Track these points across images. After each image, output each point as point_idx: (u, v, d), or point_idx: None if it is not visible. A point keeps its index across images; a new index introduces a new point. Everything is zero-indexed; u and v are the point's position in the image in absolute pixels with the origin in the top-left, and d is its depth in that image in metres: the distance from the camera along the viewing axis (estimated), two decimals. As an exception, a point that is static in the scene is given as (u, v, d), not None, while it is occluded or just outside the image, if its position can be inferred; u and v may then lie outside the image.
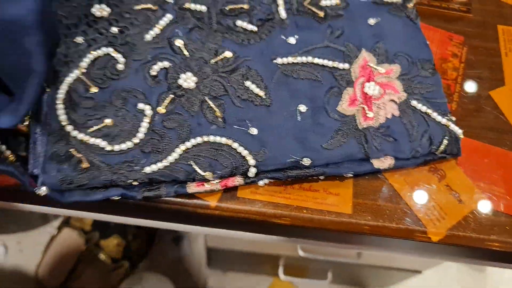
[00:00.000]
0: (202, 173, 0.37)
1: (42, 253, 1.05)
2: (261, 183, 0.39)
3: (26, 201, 0.46)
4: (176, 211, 0.40)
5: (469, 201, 0.42)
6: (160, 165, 0.37)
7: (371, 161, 0.40)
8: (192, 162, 0.38)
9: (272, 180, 0.40)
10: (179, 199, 0.40)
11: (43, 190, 0.36)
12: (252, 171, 0.38)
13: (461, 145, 0.43)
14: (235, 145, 0.39)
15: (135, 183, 0.37)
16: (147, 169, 0.37)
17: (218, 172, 0.38)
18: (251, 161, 0.38)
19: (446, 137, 0.41)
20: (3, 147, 0.37)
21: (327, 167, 0.40)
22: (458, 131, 0.42)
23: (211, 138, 0.39)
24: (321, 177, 0.41)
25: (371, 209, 0.41)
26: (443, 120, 0.42)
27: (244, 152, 0.38)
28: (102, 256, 1.03)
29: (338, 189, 0.42)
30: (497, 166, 0.44)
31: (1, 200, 0.46)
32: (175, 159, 0.38)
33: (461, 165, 0.44)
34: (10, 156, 0.37)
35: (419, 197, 0.42)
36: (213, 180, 0.38)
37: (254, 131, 0.39)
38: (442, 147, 0.41)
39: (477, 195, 0.43)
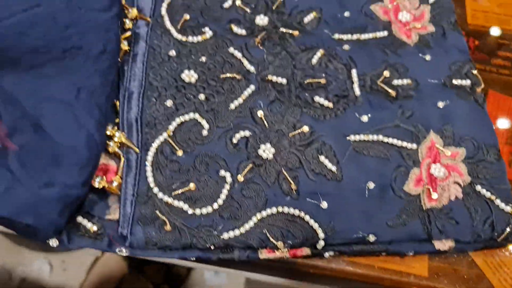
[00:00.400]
0: (275, 242, 0.40)
1: (86, 273, 1.08)
2: (326, 254, 0.42)
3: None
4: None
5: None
6: (237, 232, 0.40)
7: (432, 242, 0.42)
8: (266, 231, 0.40)
9: (337, 252, 0.42)
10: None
11: (124, 252, 0.39)
12: (320, 244, 0.41)
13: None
14: (307, 217, 0.41)
15: (212, 247, 0.40)
16: (225, 235, 0.40)
17: (289, 242, 0.40)
18: (321, 234, 0.41)
19: (509, 225, 0.42)
20: (85, 221, 0.40)
21: (390, 244, 0.42)
22: None
23: (285, 209, 0.41)
24: (383, 253, 0.42)
25: (447, 273, 0.43)
26: (507, 208, 0.43)
27: (315, 225, 0.41)
28: (143, 280, 1.06)
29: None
30: None
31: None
32: (251, 227, 0.41)
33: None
34: (92, 227, 0.40)
35: (492, 263, 0.44)
36: (283, 249, 0.41)
37: (324, 204, 0.42)
38: (504, 235, 0.42)
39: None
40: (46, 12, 0.40)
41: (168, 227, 0.40)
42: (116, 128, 0.44)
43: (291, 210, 0.41)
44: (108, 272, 1.10)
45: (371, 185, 0.43)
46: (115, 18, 0.44)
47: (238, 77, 0.47)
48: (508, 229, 0.42)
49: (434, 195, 0.43)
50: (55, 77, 0.41)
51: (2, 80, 0.39)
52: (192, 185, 0.42)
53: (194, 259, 0.41)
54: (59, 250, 1.15)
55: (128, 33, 0.48)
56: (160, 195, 0.41)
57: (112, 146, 0.42)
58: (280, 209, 0.41)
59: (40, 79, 0.41)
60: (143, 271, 1.10)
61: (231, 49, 0.48)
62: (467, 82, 0.49)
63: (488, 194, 0.44)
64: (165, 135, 0.43)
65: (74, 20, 0.41)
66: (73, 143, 0.39)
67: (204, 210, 0.41)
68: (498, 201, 0.44)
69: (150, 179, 0.41)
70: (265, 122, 0.45)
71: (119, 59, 0.46)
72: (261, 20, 0.51)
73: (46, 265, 1.12)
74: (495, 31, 0.58)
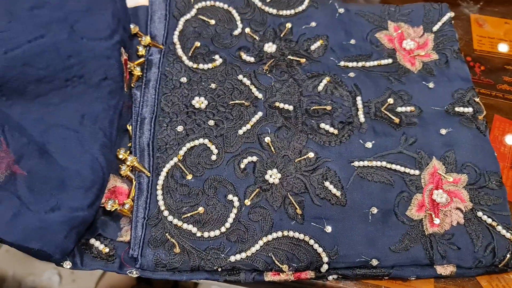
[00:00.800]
0: (280, 265, 0.41)
1: (95, 284, 1.10)
2: (330, 278, 0.43)
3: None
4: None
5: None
6: (243, 255, 0.42)
7: (434, 266, 0.43)
8: (271, 254, 0.42)
9: (340, 276, 0.43)
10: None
11: (134, 274, 0.41)
12: (324, 267, 0.42)
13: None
14: (312, 241, 0.42)
15: (219, 269, 0.41)
16: (232, 258, 0.41)
17: (294, 265, 0.42)
18: (325, 258, 0.42)
19: (510, 251, 0.43)
20: (97, 243, 0.42)
21: (392, 268, 0.43)
22: None
23: (291, 233, 0.43)
24: (386, 277, 0.44)
25: None
26: (507, 234, 0.44)
27: (319, 250, 0.42)
28: (151, 292, 1.07)
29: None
30: None
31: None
32: (257, 250, 0.42)
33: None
34: (104, 249, 0.42)
35: (497, 286, 0.45)
36: (288, 272, 0.42)
37: (329, 229, 0.43)
38: (505, 261, 0.43)
39: None
40: (49, 43, 0.42)
41: (177, 249, 0.41)
42: (128, 152, 0.45)
43: (296, 234, 0.43)
44: (117, 283, 1.11)
45: (374, 210, 0.44)
46: (117, 45, 0.46)
47: (246, 103, 0.48)
48: (508, 255, 0.44)
49: (436, 221, 0.45)
50: (59, 105, 0.43)
51: (9, 110, 0.41)
52: (201, 209, 0.43)
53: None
54: (69, 261, 1.16)
55: (142, 60, 0.50)
56: (170, 218, 0.43)
57: (125, 170, 0.44)
58: (285, 233, 0.43)
59: (46, 107, 0.43)
60: (151, 283, 1.11)
61: (240, 76, 0.50)
62: (469, 110, 0.50)
63: (489, 220, 0.45)
64: (175, 159, 0.45)
65: (76, 50, 0.43)
66: (78, 167, 0.41)
67: (212, 233, 0.42)
68: (499, 228, 0.45)
69: (161, 202, 0.43)
70: (272, 147, 0.46)
71: (131, 85, 0.48)
72: (269, 47, 0.52)
73: (55, 276, 1.13)
74: (503, 48, 0.59)
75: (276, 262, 0.42)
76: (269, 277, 0.42)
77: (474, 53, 0.59)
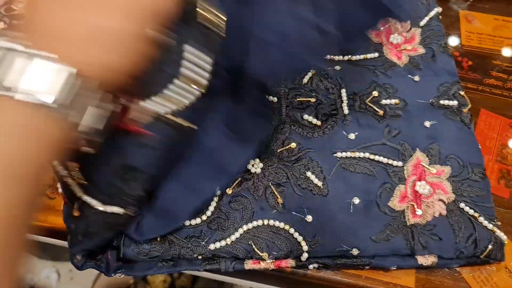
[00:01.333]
0: (260, 253, 0.42)
1: (92, 283, 1.10)
2: (311, 267, 0.43)
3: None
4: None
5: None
6: (223, 243, 0.42)
7: (415, 257, 0.43)
8: (251, 243, 0.42)
9: (321, 265, 0.43)
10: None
11: (118, 276, 0.41)
12: (304, 256, 0.42)
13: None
14: (292, 230, 0.43)
15: (200, 257, 0.42)
16: (212, 246, 0.42)
17: (274, 253, 0.42)
18: (305, 247, 0.42)
19: (491, 242, 0.43)
20: None
21: (373, 258, 0.43)
22: (503, 237, 0.44)
23: (271, 222, 0.43)
24: (366, 267, 0.44)
25: (434, 285, 0.44)
26: (489, 225, 0.44)
27: (299, 238, 0.42)
28: (148, 291, 1.08)
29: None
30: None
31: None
32: (237, 238, 0.42)
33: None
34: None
35: (479, 277, 0.45)
36: (268, 260, 0.42)
37: (309, 218, 0.43)
38: (486, 252, 0.43)
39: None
40: None
41: (158, 238, 0.42)
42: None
43: (277, 223, 0.43)
44: (114, 282, 1.12)
45: (356, 200, 0.45)
46: None
47: (231, 94, 0.49)
48: (490, 246, 0.44)
49: (419, 212, 0.45)
50: None
51: None
52: (183, 197, 0.43)
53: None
54: (67, 260, 1.17)
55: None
56: (152, 207, 0.43)
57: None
58: (266, 221, 0.43)
59: None
60: (148, 281, 1.12)
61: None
62: (454, 103, 0.50)
63: (471, 212, 0.45)
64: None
65: None
66: None
67: (193, 221, 0.43)
68: (481, 219, 0.45)
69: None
70: (255, 138, 0.47)
71: None
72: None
73: (54, 274, 1.14)
74: (507, 52, 0.59)
75: (256, 250, 0.42)
76: (250, 265, 0.42)
77: (462, 48, 0.59)
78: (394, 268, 0.43)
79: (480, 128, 0.53)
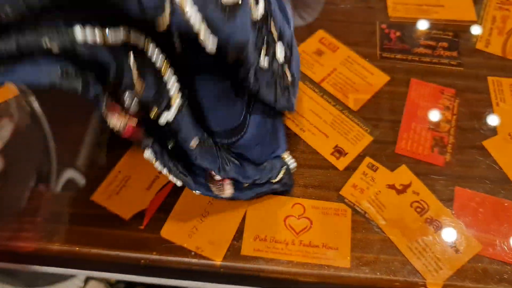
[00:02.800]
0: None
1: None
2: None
3: (45, 264, 0.52)
4: (184, 270, 0.44)
5: (466, 250, 0.45)
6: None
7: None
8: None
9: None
10: (185, 259, 0.44)
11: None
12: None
13: (456, 196, 0.47)
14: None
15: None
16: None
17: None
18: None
19: (283, 167, 0.45)
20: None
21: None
22: (292, 164, 0.46)
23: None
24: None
25: (369, 262, 0.44)
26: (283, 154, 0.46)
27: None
28: (126, 308, 1.07)
29: (336, 243, 0.45)
30: (492, 215, 0.47)
31: (23, 264, 0.51)
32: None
33: (457, 215, 0.47)
34: None
35: (417, 249, 0.45)
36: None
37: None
38: (279, 177, 0.45)
39: (473, 245, 0.45)
40: None
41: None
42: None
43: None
44: None
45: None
46: None
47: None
48: (282, 171, 0.45)
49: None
50: None
51: None
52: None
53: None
54: (42, 285, 1.15)
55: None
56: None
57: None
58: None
59: None
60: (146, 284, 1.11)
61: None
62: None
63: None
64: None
65: None
66: None
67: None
68: None
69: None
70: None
71: None
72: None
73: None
74: (417, 12, 0.61)
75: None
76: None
77: (389, 20, 0.61)
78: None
79: (411, 98, 0.55)
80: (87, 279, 1.11)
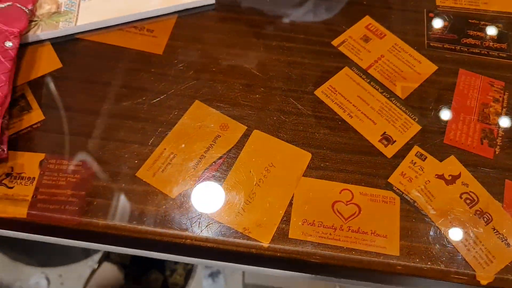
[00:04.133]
0: None
1: (83, 286, 1.09)
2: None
3: (87, 240, 0.51)
4: (229, 252, 0.44)
5: (517, 244, 0.43)
6: None
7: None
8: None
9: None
10: (233, 240, 0.44)
11: None
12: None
13: (507, 189, 0.46)
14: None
15: None
16: None
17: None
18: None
19: None
20: None
21: None
22: None
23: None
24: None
25: (419, 251, 0.44)
26: None
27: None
28: (140, 290, 1.07)
29: (385, 231, 0.45)
30: (543, 209, 0.45)
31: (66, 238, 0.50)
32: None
33: (508, 208, 0.46)
34: None
35: (467, 241, 0.44)
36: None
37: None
38: None
39: (524, 238, 0.44)
40: None
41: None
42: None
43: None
44: (106, 283, 1.10)
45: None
46: None
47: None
48: None
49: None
50: None
51: None
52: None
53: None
54: (56, 265, 1.15)
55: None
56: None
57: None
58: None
59: None
60: (139, 282, 1.11)
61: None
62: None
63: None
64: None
65: None
66: None
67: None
68: None
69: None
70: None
71: None
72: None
73: (43, 280, 1.12)
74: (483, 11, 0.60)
75: None
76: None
77: (437, 9, 0.60)
78: None
79: (460, 89, 0.54)
80: (101, 261, 1.11)
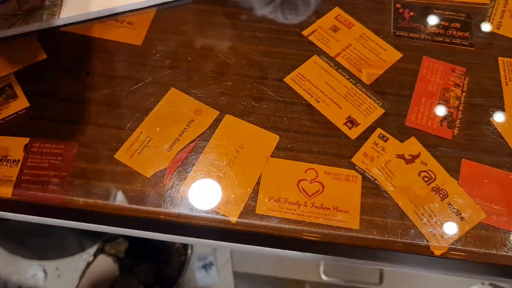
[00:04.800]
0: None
1: (79, 279, 1.12)
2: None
3: (69, 218, 0.54)
4: (200, 226, 0.47)
5: (470, 218, 0.47)
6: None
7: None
8: None
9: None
10: (204, 215, 0.47)
11: None
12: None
13: (463, 168, 0.49)
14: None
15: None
16: None
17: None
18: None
19: None
20: None
21: None
22: None
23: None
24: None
25: (378, 225, 0.47)
26: None
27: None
28: (134, 281, 1.10)
29: (347, 206, 0.48)
30: (497, 186, 0.49)
31: (48, 217, 0.54)
32: None
33: (463, 185, 0.49)
34: None
35: (423, 215, 0.47)
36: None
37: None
38: None
39: (477, 213, 0.48)
40: None
41: None
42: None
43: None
44: (100, 276, 1.13)
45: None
46: None
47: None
48: None
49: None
50: None
51: None
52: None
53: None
54: (52, 258, 1.18)
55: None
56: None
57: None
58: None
59: None
60: (134, 273, 1.14)
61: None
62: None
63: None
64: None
65: None
66: None
67: None
68: None
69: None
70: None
71: None
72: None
73: (40, 272, 1.15)
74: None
75: None
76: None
77: (403, 0, 0.63)
78: None
79: (422, 74, 0.57)
80: (96, 253, 1.14)
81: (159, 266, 1.11)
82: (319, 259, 0.53)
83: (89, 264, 1.12)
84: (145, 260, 1.12)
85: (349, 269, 0.84)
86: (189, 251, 1.13)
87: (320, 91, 0.54)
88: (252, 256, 0.96)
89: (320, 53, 0.57)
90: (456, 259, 0.45)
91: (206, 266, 1.20)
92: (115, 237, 1.17)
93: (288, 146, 0.50)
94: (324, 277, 0.85)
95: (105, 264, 1.12)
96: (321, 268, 0.85)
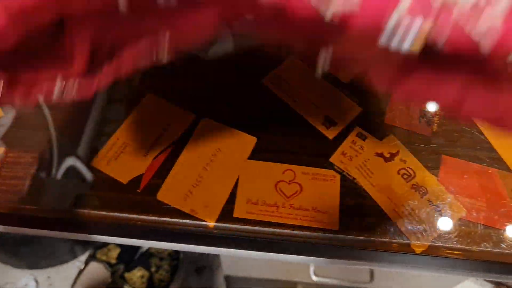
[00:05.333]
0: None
1: (71, 287, 1.11)
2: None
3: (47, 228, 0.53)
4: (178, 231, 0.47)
5: (451, 214, 0.47)
6: None
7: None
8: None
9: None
10: (182, 220, 0.46)
11: None
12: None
13: (442, 164, 0.49)
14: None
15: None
16: None
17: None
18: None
19: None
20: None
21: None
22: None
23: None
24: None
25: (357, 225, 0.46)
26: None
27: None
28: (126, 287, 1.09)
29: (326, 207, 0.47)
30: (476, 181, 0.49)
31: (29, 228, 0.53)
32: None
33: (443, 182, 0.49)
34: None
35: (403, 212, 0.47)
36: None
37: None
38: None
39: (458, 209, 0.47)
40: None
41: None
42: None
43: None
44: (93, 283, 1.13)
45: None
46: None
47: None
48: None
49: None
50: None
51: None
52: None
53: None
54: (44, 267, 1.18)
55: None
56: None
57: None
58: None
59: None
60: (126, 279, 1.13)
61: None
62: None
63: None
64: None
65: None
66: None
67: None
68: None
69: None
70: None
71: None
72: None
73: (32, 282, 1.15)
74: None
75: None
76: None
77: None
78: None
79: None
80: (88, 261, 1.14)
81: (150, 270, 1.11)
82: (303, 261, 0.52)
83: (80, 271, 1.12)
84: (137, 266, 1.12)
85: (339, 269, 0.84)
86: (181, 255, 1.13)
87: (298, 91, 0.54)
88: (243, 259, 0.95)
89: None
90: (437, 256, 0.45)
91: (198, 270, 1.20)
92: (106, 243, 1.16)
93: (266, 148, 0.50)
94: (314, 278, 0.85)
95: (96, 271, 1.12)
96: (311, 269, 0.84)
